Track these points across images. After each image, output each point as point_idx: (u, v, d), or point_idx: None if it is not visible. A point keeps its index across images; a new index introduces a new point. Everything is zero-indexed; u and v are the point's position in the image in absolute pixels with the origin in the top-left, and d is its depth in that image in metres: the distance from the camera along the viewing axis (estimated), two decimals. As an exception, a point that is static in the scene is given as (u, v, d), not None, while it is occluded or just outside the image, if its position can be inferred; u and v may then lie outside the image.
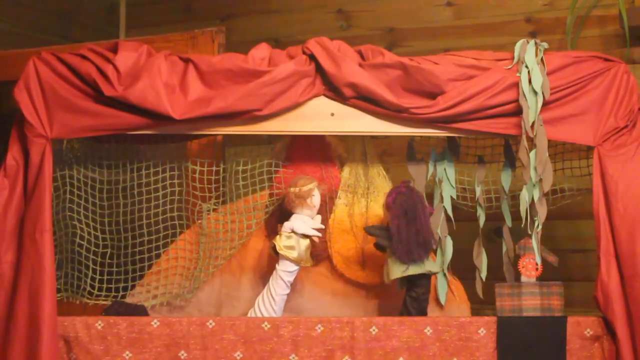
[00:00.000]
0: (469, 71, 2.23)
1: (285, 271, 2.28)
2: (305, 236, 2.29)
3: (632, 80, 2.23)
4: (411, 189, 2.26)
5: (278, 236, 2.28)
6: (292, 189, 2.30)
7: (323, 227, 2.34)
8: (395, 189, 2.27)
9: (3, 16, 3.28)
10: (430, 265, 2.26)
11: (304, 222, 2.29)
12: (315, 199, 2.31)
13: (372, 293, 2.44)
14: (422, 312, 2.27)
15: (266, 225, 2.45)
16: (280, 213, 2.36)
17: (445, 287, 2.41)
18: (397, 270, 2.23)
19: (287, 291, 2.29)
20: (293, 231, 2.28)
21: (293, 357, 2.16)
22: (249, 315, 2.30)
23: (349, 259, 2.44)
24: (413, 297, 2.27)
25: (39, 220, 2.12)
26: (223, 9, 3.63)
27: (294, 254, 2.27)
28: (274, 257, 2.31)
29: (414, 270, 2.22)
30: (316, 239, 2.31)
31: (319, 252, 2.38)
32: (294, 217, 2.30)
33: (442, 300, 2.40)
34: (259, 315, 2.27)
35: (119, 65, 2.16)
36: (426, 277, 2.27)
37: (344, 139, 2.47)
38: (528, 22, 3.19)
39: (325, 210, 2.39)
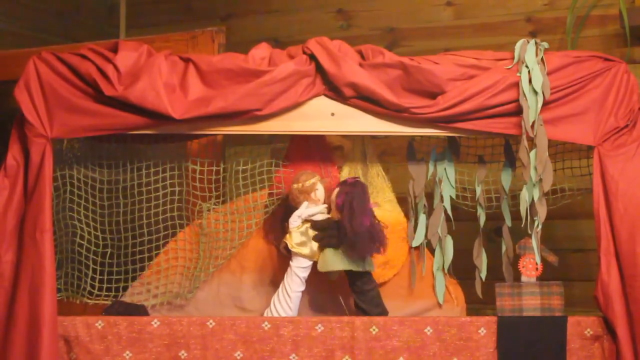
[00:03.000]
0: (469, 71, 2.23)
1: (300, 267, 2.28)
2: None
3: (632, 80, 2.23)
4: (355, 182, 2.27)
5: (288, 235, 2.29)
6: (294, 185, 2.30)
7: (327, 205, 2.33)
8: (342, 185, 2.28)
9: (3, 16, 3.28)
10: (370, 264, 2.27)
11: (307, 207, 2.29)
12: (319, 193, 2.31)
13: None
14: (377, 305, 2.27)
15: (266, 225, 2.45)
16: (285, 212, 2.36)
17: (443, 287, 2.41)
18: (336, 262, 2.23)
19: (302, 288, 2.29)
20: (301, 218, 2.28)
21: (293, 357, 2.16)
22: (265, 315, 2.29)
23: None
24: (358, 292, 2.27)
25: (39, 220, 2.12)
26: (223, 9, 3.63)
27: (306, 250, 2.28)
28: (286, 256, 2.31)
29: (352, 266, 2.23)
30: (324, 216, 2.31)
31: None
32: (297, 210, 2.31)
33: (440, 300, 2.40)
34: (275, 314, 2.27)
35: (119, 65, 2.16)
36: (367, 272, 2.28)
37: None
38: (528, 22, 3.19)
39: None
